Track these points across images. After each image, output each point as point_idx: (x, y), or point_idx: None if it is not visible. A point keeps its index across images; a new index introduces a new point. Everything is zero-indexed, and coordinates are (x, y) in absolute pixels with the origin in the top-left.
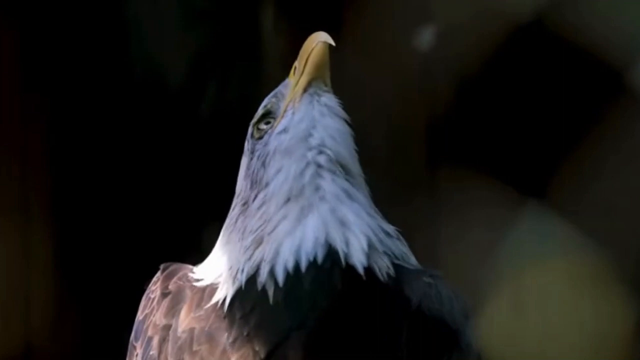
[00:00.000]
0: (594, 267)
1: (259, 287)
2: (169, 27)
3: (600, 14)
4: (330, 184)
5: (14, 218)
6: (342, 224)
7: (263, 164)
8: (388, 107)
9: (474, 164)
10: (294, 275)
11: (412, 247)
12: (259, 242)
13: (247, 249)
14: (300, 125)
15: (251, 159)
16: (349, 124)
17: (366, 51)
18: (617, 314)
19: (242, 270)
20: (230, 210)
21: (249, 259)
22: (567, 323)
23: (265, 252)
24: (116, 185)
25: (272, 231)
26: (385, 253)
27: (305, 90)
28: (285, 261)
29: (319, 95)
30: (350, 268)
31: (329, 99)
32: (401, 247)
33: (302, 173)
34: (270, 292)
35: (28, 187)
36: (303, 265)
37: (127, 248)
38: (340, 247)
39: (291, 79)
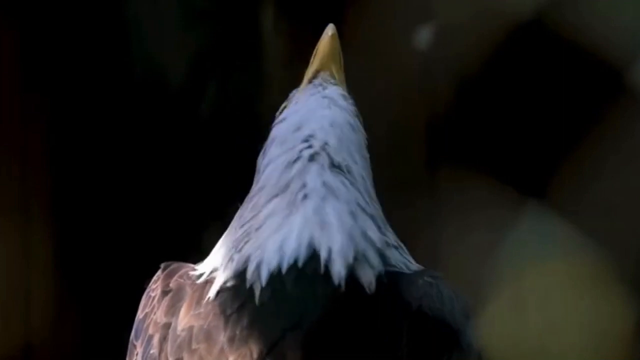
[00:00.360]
0: (594, 267)
1: (247, 284)
2: (169, 27)
3: (600, 13)
4: (316, 181)
5: (14, 218)
6: (324, 226)
7: (264, 152)
8: (388, 107)
9: (474, 164)
10: (277, 276)
11: (412, 248)
12: (248, 236)
13: (239, 241)
14: (295, 115)
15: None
16: (357, 117)
17: (366, 51)
18: (617, 314)
19: (232, 260)
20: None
21: (239, 251)
22: (568, 323)
23: (252, 248)
24: (116, 186)
25: (259, 227)
26: (367, 256)
27: (310, 81)
28: (269, 260)
29: (323, 87)
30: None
31: (333, 91)
32: (393, 247)
33: (289, 166)
34: (257, 292)
35: (28, 187)
36: (284, 267)
37: (127, 248)
38: (321, 250)
39: None
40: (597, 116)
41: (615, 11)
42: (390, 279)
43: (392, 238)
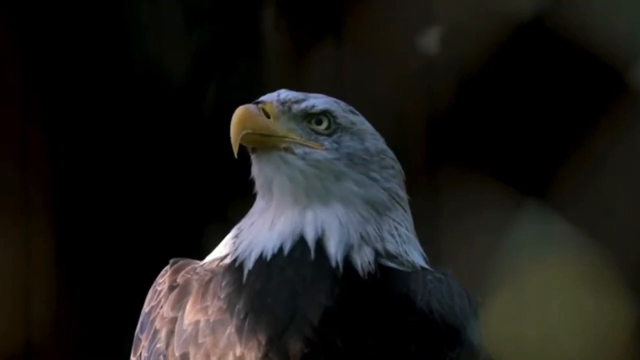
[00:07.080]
0: (594, 267)
1: (244, 277)
2: (170, 27)
3: (600, 13)
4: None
5: (15, 218)
6: (315, 219)
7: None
8: (389, 108)
9: (474, 164)
10: (269, 265)
11: None
12: (240, 231)
13: (233, 236)
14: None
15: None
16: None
17: (367, 51)
18: (617, 313)
19: (229, 254)
20: None
21: (233, 245)
22: (568, 323)
23: (245, 241)
24: (117, 186)
25: (252, 223)
26: (369, 247)
27: None
28: (263, 251)
29: None
30: (347, 263)
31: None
32: (397, 242)
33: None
34: (254, 282)
35: (29, 187)
36: (269, 255)
37: (127, 248)
38: (312, 240)
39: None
40: (597, 116)
41: (615, 11)
42: (394, 272)
43: (401, 232)
